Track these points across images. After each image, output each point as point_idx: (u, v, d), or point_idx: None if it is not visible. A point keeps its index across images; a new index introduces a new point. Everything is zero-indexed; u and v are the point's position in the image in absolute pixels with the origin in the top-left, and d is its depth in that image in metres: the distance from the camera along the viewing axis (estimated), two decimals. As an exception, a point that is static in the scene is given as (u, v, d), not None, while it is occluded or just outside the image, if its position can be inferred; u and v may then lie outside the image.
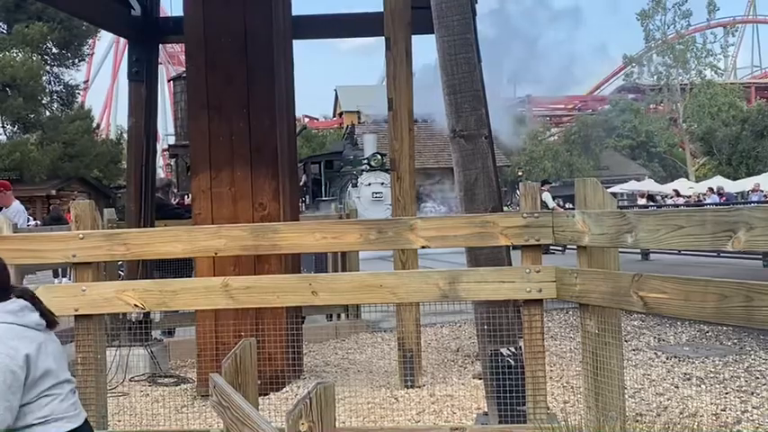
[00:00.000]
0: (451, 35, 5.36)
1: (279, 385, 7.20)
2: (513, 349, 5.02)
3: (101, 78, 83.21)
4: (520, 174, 52.95)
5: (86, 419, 3.42)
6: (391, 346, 8.86)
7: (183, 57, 9.65)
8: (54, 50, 38.78)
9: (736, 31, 73.55)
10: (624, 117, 62.65)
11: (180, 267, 9.01)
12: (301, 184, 34.79)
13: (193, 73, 7.83)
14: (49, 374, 3.20)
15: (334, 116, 71.85)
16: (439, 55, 5.43)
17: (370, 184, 30.95)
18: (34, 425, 3.17)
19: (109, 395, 6.07)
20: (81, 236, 4.82)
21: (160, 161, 51.75)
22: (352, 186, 31.74)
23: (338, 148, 40.01)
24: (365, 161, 31.96)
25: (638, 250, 19.21)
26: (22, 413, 3.15)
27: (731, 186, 40.56)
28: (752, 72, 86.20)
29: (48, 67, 38.54)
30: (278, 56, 7.81)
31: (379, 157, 30.55)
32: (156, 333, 9.44)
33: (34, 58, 35.89)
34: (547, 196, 25.40)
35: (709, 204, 28.12)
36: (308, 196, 34.92)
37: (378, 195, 30.40)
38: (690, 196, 37.67)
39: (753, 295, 3.26)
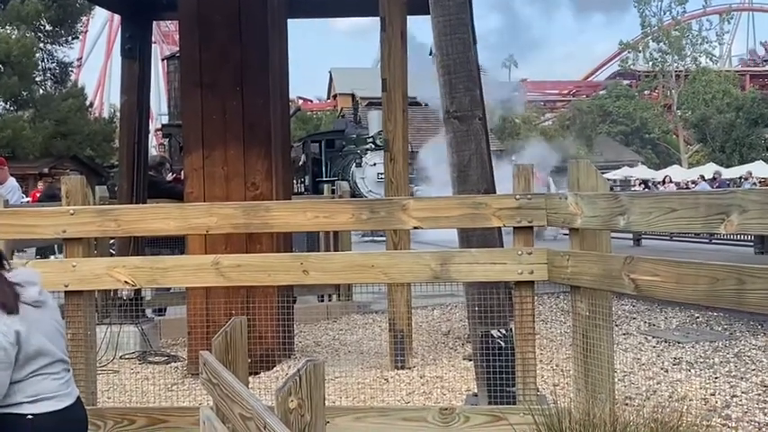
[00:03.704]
0: (447, 15, 5.33)
1: (269, 364, 7.20)
2: (503, 331, 5.02)
3: (95, 57, 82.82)
4: (513, 158, 52.92)
5: (78, 398, 3.40)
6: (382, 327, 8.87)
7: (177, 36, 9.59)
8: (47, 27, 38.47)
9: (732, 18, 73.46)
10: (619, 103, 62.67)
11: (172, 246, 8.99)
12: (300, 164, 34.25)
13: (187, 50, 7.78)
14: (41, 353, 3.17)
15: (328, 98, 71.62)
16: (434, 35, 5.40)
17: (375, 164, 28.77)
18: (23, 403, 3.15)
19: (99, 372, 6.06)
20: (72, 211, 4.79)
21: (153, 141, 51.55)
22: (356, 166, 30.42)
23: (340, 126, 38.77)
24: (370, 140, 30.60)
25: (630, 236, 19.28)
26: (11, 391, 3.12)
27: (724, 173, 40.64)
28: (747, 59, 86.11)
29: (41, 45, 38.25)
30: (272, 34, 7.76)
31: None
32: (147, 311, 9.42)
33: (28, 35, 35.63)
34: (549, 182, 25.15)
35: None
36: (307, 177, 34.12)
37: (384, 176, 29.11)
38: (679, 182, 37.74)
39: (745, 278, 3.25)
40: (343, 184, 12.66)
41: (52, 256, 11.01)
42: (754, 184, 31.69)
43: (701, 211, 3.51)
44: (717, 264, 3.46)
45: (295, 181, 31.74)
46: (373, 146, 29.43)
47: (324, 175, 32.89)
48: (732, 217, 3.32)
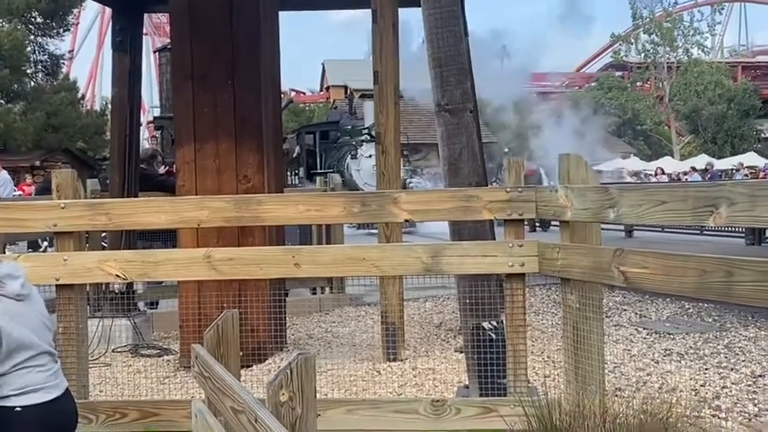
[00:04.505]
0: (438, 8, 5.33)
1: (261, 357, 7.21)
2: (494, 323, 5.04)
3: (87, 49, 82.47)
4: (506, 151, 52.91)
5: (67, 389, 3.41)
6: (375, 319, 8.88)
7: (169, 28, 9.56)
8: (39, 20, 38.29)
9: (723, 9, 73.46)
10: (611, 95, 62.67)
11: (164, 239, 8.99)
12: (294, 155, 34.02)
13: (178, 43, 7.76)
14: (25, 347, 3.17)
15: (321, 90, 71.46)
16: (425, 27, 5.40)
17: (370, 156, 28.09)
18: (10, 395, 3.16)
19: (91, 366, 6.07)
20: (62, 205, 4.78)
21: (146, 133, 51.37)
22: (351, 158, 29.88)
23: (335, 117, 38.34)
24: (365, 131, 30.17)
25: (622, 227, 19.31)
26: None
27: (716, 165, 40.72)
28: (739, 51, 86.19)
29: (32, 37, 38.08)
30: (264, 26, 7.75)
31: None
32: (139, 304, 9.42)
33: (19, 28, 35.47)
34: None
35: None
36: (301, 168, 33.84)
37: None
38: (671, 174, 37.82)
39: (733, 270, 3.27)
40: (335, 176, 12.63)
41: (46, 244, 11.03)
42: (746, 175, 31.77)
43: (689, 204, 3.52)
44: (705, 256, 3.48)
45: (289, 173, 31.59)
46: (369, 137, 28.70)
47: (318, 167, 32.59)
48: (721, 209, 3.33)
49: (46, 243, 12.46)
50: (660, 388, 5.90)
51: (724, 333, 7.83)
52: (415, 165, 35.62)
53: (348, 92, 39.60)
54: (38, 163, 35.21)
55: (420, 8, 5.54)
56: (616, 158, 48.70)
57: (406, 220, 5.12)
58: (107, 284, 8.06)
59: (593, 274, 4.18)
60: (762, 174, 31.48)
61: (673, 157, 51.86)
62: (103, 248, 8.74)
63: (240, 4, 7.51)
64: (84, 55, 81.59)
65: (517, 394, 4.51)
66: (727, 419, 5.23)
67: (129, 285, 8.30)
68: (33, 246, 11.75)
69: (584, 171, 4.45)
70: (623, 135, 62.81)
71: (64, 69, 42.19)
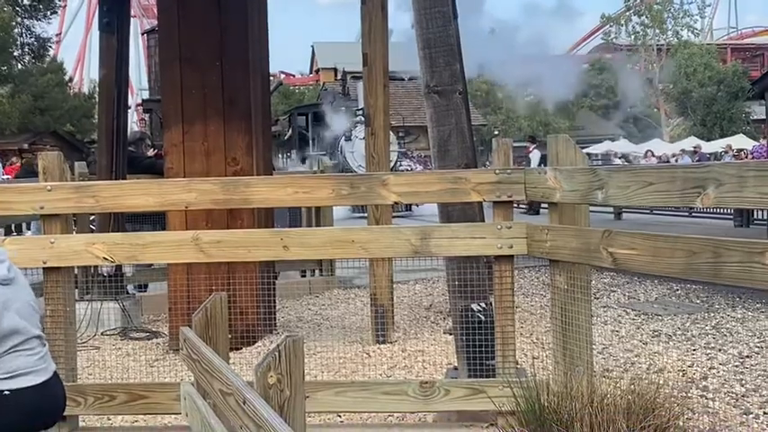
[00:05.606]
0: (426, -12, 5.29)
1: (251, 340, 7.22)
2: (483, 305, 5.04)
3: (75, 32, 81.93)
4: (496, 133, 52.88)
5: (56, 372, 3.40)
6: (364, 302, 8.90)
7: (157, 8, 9.47)
8: (26, 2, 37.98)
9: (714, -9, 73.38)
10: (602, 77, 62.64)
11: (154, 222, 8.97)
12: (286, 137, 33.76)
13: (165, 24, 7.71)
14: (14, 332, 3.15)
15: (311, 73, 71.25)
16: (414, 8, 5.37)
17: (365, 138, 28.10)
18: (0, 379, 3.15)
19: (80, 349, 6.06)
20: (49, 188, 4.75)
21: (135, 116, 51.16)
22: (345, 140, 29.44)
23: (328, 98, 37.90)
24: (360, 112, 29.93)
25: (611, 210, 19.36)
26: None
27: (704, 147, 40.83)
28: (728, 33, 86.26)
29: (19, 19, 37.77)
30: (252, 8, 7.70)
31: None
32: (128, 287, 9.40)
33: (6, 10, 35.20)
34: (535, 156, 24.40)
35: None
36: (293, 150, 33.43)
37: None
38: (660, 156, 37.87)
39: (721, 251, 3.27)
40: (324, 159, 12.62)
41: (28, 232, 10.96)
42: (733, 157, 31.86)
43: (677, 185, 3.51)
44: (693, 237, 3.47)
45: (280, 155, 31.35)
46: (363, 118, 28.25)
47: (311, 149, 32.17)
48: (708, 190, 3.33)
49: (29, 233, 12.39)
50: (648, 369, 5.93)
51: (712, 314, 7.87)
52: (406, 147, 35.48)
53: (341, 73, 39.11)
54: (26, 146, 35.08)
55: (409, -11, 5.51)
56: (605, 141, 48.74)
57: (395, 203, 5.11)
58: (96, 267, 8.04)
59: (582, 256, 4.18)
60: (750, 156, 31.57)
61: (662, 140, 51.92)
62: (92, 231, 8.71)
63: (228, -15, 7.46)
64: (72, 39, 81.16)
65: (506, 375, 4.51)
66: (715, 400, 5.27)
67: (119, 268, 8.27)
68: (8, 233, 11.68)
69: (573, 153, 4.44)
70: (613, 117, 62.83)
71: (51, 52, 41.92)
